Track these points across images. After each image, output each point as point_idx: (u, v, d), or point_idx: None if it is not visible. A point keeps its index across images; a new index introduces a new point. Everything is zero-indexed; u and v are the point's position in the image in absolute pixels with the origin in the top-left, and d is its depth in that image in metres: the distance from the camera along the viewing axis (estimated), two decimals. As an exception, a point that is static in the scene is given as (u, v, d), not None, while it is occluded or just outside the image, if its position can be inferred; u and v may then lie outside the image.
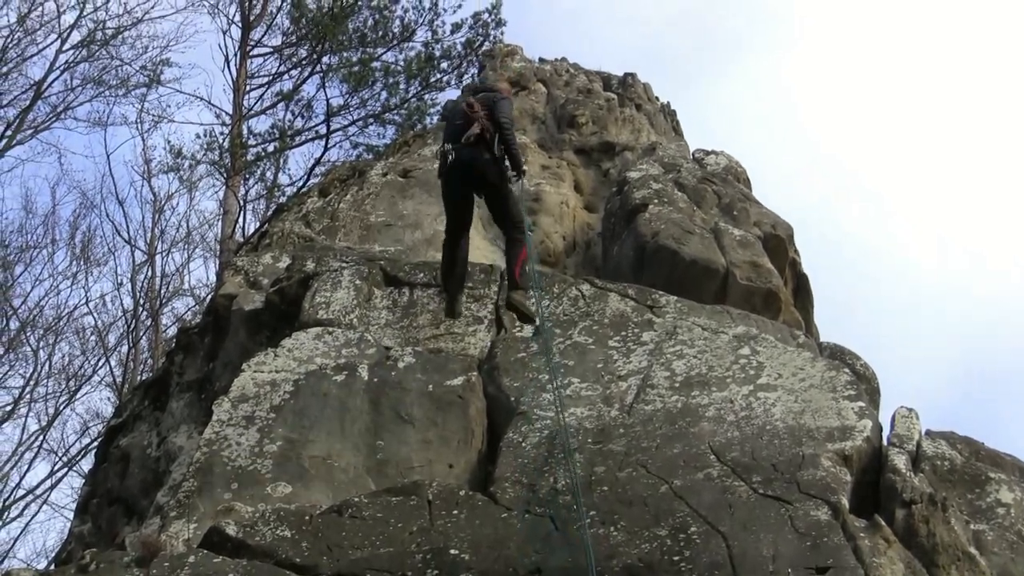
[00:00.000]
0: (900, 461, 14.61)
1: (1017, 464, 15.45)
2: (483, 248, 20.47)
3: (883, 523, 13.60)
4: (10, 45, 32.50)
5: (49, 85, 32.83)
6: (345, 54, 33.06)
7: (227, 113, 34.39)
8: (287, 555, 13.68)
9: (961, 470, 14.96)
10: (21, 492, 37.07)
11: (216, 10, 36.57)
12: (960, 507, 14.32)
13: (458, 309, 16.14)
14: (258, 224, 30.51)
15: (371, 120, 32.99)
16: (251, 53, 34.35)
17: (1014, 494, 14.68)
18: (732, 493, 13.74)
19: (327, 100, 33.08)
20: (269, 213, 29.84)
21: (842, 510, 13.41)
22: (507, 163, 15.48)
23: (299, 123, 33.67)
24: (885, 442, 15.07)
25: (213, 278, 32.62)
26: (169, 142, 61.65)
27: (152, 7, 36.47)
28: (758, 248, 20.18)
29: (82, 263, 44.99)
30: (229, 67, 34.60)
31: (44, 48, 36.74)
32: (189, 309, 39.70)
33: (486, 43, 31.26)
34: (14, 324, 38.54)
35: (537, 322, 15.27)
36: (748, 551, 12.80)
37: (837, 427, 14.83)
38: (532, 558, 13.00)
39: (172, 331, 29.81)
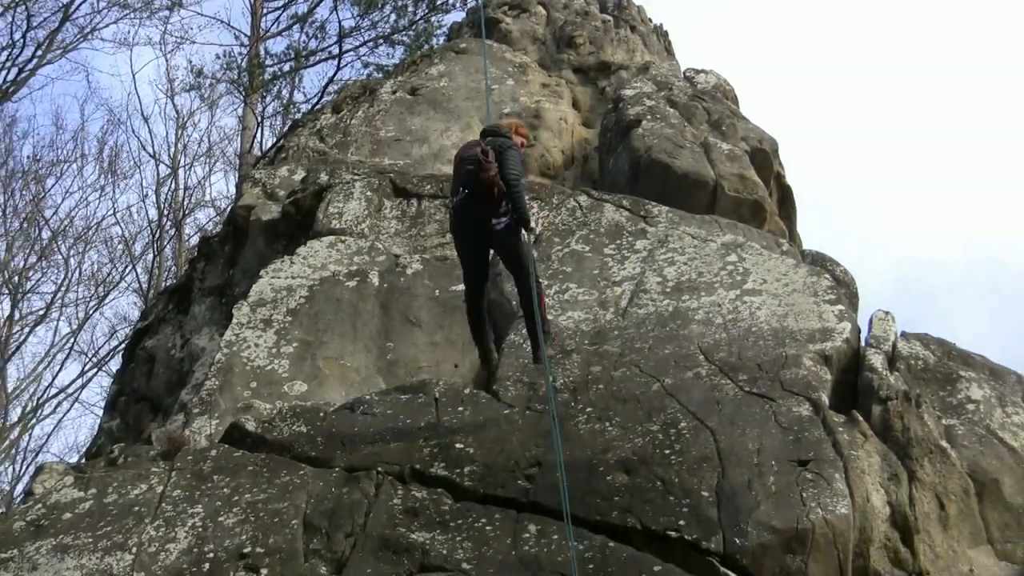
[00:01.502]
0: (877, 361, 14.67)
1: (986, 363, 15.51)
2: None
3: (861, 418, 13.69)
4: (39, -32, 32.20)
5: (77, 7, 32.67)
6: (356, -23, 32.91)
7: (245, 35, 34.36)
8: (303, 449, 13.77)
9: (934, 369, 15.01)
10: (54, 391, 37.17)
11: (236, -67, 36.64)
12: (933, 403, 14.38)
13: (492, 360, 14.46)
14: (275, 139, 30.51)
15: (381, 41, 32.93)
16: (268, -23, 34.22)
17: (983, 391, 14.74)
18: (720, 391, 13.81)
19: (339, 22, 33.20)
20: (285, 129, 29.79)
21: (822, 406, 13.50)
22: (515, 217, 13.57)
23: (313, 44, 33.69)
24: (863, 343, 15.13)
25: (233, 190, 32.63)
26: (191, 62, 62.07)
27: (175, -67, 36.10)
28: (745, 161, 20.17)
29: (109, 176, 45.05)
30: (247, -11, 34.61)
31: (72, -30, 36.48)
32: (210, 219, 39.79)
33: (490, -34, 31.20)
34: (46, 234, 38.56)
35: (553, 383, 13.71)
36: (734, 445, 12.89)
37: (818, 329, 14.88)
38: (532, 452, 13.06)
39: (194, 240, 29.87)
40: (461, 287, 16.15)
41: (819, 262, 16.54)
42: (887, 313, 15.66)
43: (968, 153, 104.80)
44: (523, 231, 13.53)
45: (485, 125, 14.94)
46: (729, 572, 11.79)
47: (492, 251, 13.96)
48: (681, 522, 12.15)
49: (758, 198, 19.41)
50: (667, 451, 12.93)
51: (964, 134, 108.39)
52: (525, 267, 13.46)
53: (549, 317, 14.35)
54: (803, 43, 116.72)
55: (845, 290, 15.90)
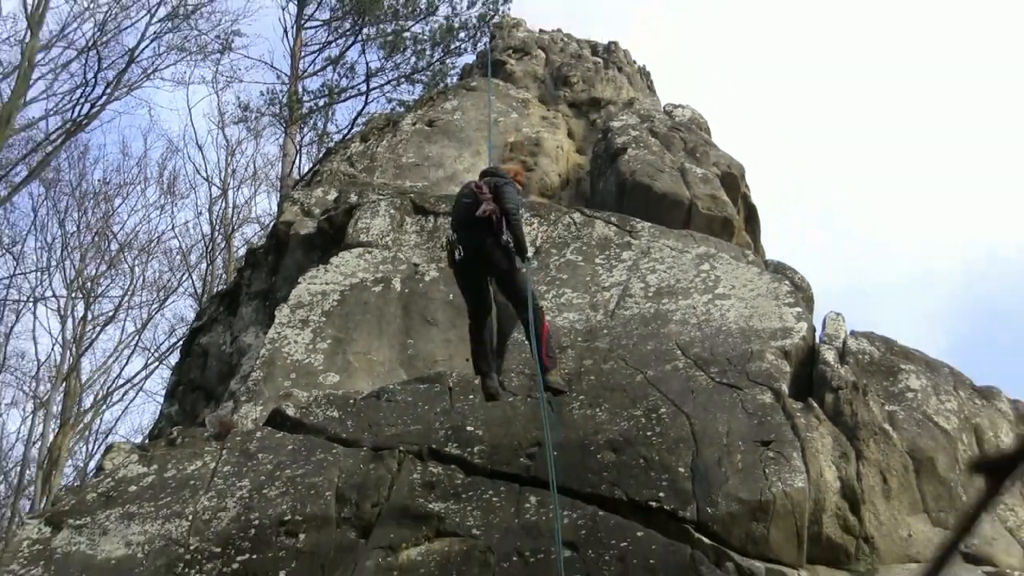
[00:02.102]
0: (829, 355, 14.68)
1: (924, 358, 15.50)
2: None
3: (815, 405, 13.71)
4: (109, 19, 32.31)
5: (141, 51, 32.68)
6: (381, 26, 33.14)
7: (286, 74, 34.38)
8: (335, 431, 13.77)
9: (878, 362, 14.99)
10: (121, 382, 37.25)
11: (276, -12, 36.99)
12: (877, 392, 14.37)
13: (492, 387, 12.71)
14: (311, 165, 30.47)
15: (403, 80, 33.04)
16: (305, 25, 34.30)
17: (920, 382, 14.74)
18: (694, 381, 13.80)
19: (367, 64, 33.39)
20: (320, 155, 29.80)
21: (783, 395, 13.51)
22: (513, 246, 12.53)
23: (344, 83, 33.76)
24: (818, 340, 15.12)
25: (275, 208, 32.60)
26: (239, 98, 62.70)
27: (223, -14, 36.37)
28: (716, 184, 20.14)
29: (169, 196, 45.27)
30: (287, 37, 34.72)
31: (136, 21, 36.63)
32: (255, 234, 39.74)
33: (496, 16, 31.43)
34: (114, 246, 38.58)
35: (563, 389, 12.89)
36: (707, 428, 12.89)
37: (779, 328, 14.86)
38: (533, 434, 13.05)
39: (242, 251, 29.84)
40: (472, 292, 16.15)
41: (780, 270, 16.52)
42: (838, 314, 15.70)
43: (971, 154, 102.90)
44: (521, 260, 12.58)
45: (488, 165, 14.12)
46: (702, 537, 11.81)
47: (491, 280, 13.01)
48: (661, 494, 12.16)
49: (727, 215, 19.39)
50: (649, 433, 12.94)
51: (972, 134, 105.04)
52: (523, 296, 12.54)
53: (551, 318, 14.31)
54: (803, 46, 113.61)
55: (802, 294, 15.90)
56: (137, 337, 39.35)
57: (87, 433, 35.91)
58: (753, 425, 12.98)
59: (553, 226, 17.65)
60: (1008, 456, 1.17)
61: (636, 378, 13.98)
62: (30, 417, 36.10)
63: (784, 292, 15.68)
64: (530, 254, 12.60)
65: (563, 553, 10.73)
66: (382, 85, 33.39)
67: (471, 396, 13.96)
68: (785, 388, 13.77)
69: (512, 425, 13.38)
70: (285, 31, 34.80)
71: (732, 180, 20.86)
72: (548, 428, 11.36)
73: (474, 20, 32.47)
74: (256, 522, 12.60)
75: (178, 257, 40.23)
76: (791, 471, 12.39)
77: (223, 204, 40.45)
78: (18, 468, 34.64)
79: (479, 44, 31.09)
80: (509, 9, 32.02)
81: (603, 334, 15.07)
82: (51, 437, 33.25)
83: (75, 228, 38.30)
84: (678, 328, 15.04)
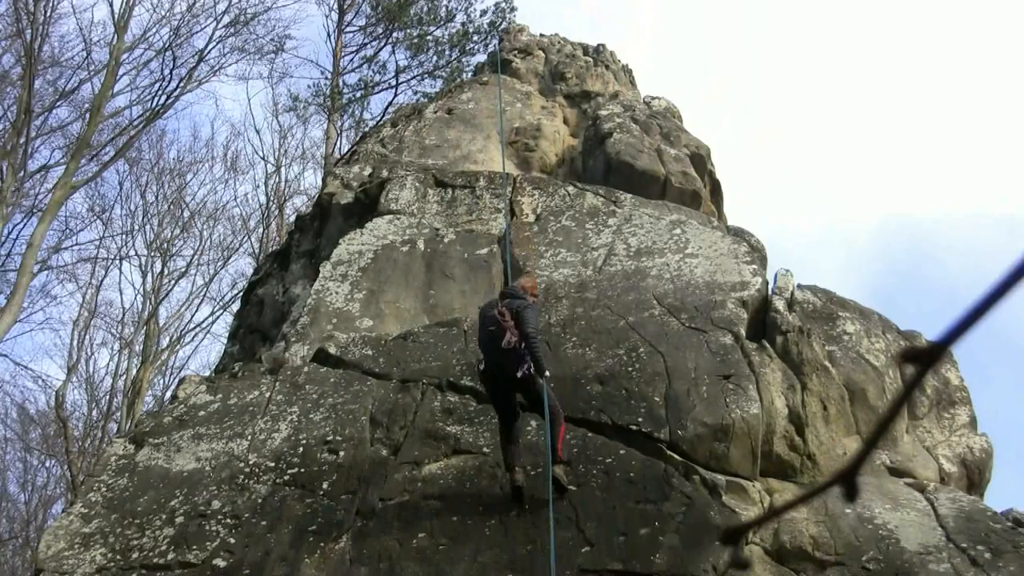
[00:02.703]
0: (780, 304, 14.71)
1: (858, 306, 15.54)
2: (498, 159, 20.39)
3: (768, 346, 13.81)
4: (182, 25, 32.35)
5: (208, 52, 32.68)
6: (408, 30, 33.24)
7: (329, 71, 34.36)
8: (369, 367, 13.84)
9: (820, 310, 15.04)
10: (192, 326, 37.35)
11: (321, 0, 37.17)
12: (819, 335, 14.42)
13: (519, 482, 11.39)
14: (350, 146, 30.44)
15: (426, 75, 33.04)
16: (345, 30, 34.31)
17: (855, 326, 14.79)
18: (667, 326, 13.85)
19: (396, 62, 33.50)
20: (357, 138, 29.75)
21: (741, 337, 13.59)
22: (532, 366, 11.30)
23: (377, 78, 33.84)
24: (770, 292, 15.14)
25: (319, 182, 32.53)
26: (289, 91, 62.97)
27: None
28: (687, 162, 20.13)
29: (231, 172, 45.81)
30: (330, 39, 34.81)
31: (205, 27, 36.90)
32: (304, 203, 39.78)
33: (504, 23, 31.62)
34: (187, 214, 38.63)
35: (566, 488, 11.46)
36: (678, 364, 12.96)
37: (738, 282, 14.90)
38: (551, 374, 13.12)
39: (292, 218, 29.80)
40: (484, 251, 16.21)
41: (739, 234, 16.51)
42: (788, 271, 15.70)
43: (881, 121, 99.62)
44: (540, 378, 11.28)
45: (504, 288, 12.96)
46: (673, 455, 11.88)
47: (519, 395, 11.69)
48: (639, 419, 12.23)
49: (696, 188, 19.40)
50: (630, 369, 13.01)
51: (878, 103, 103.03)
52: (542, 405, 11.29)
53: (548, 273, 14.34)
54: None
55: (758, 254, 15.90)
56: (205, 289, 39.56)
57: (164, 368, 36.02)
58: (716, 362, 13.06)
59: (551, 197, 17.67)
60: (930, 349, 1.28)
61: (619, 323, 14.05)
62: (117, 355, 36.24)
63: (743, 252, 15.72)
64: (548, 373, 11.45)
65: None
66: (409, 80, 33.51)
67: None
68: (743, 331, 13.85)
69: (516, 362, 13.43)
70: (328, 35, 35.13)
71: (700, 160, 20.88)
72: (552, 529, 10.40)
73: (485, 26, 32.62)
74: (304, 441, 12.68)
75: (239, 222, 40.36)
76: (747, 400, 12.45)
77: (277, 179, 40.46)
78: (107, 397, 34.84)
79: (490, 46, 31.07)
80: (515, 17, 32.19)
81: (592, 286, 15.12)
82: (134, 372, 33.43)
83: (154, 198, 38.39)
84: (654, 282, 15.08)
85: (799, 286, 15.51)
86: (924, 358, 1.27)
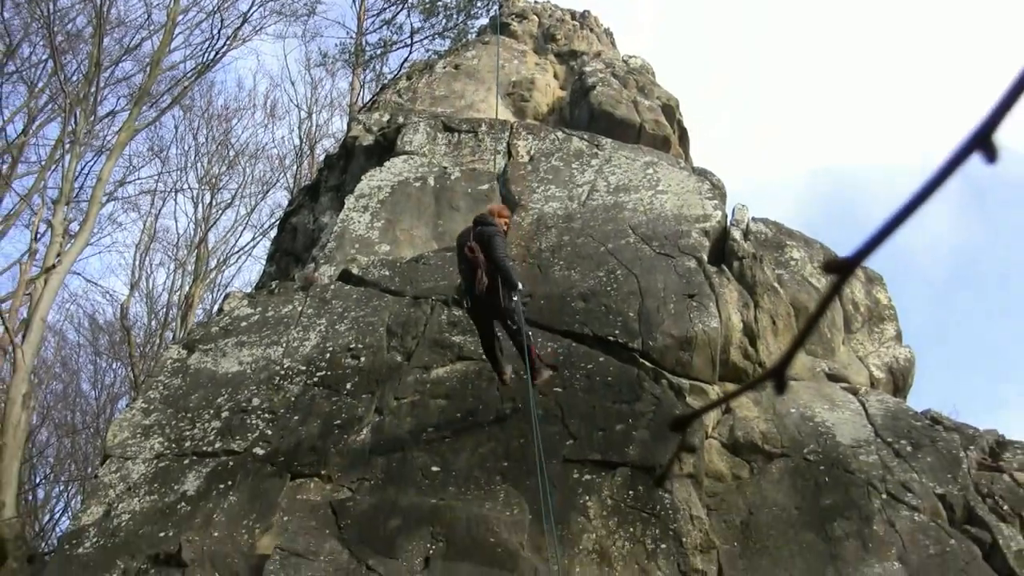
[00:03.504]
0: (737, 234, 14.57)
1: (803, 237, 15.36)
2: (498, 108, 20.12)
3: (726, 269, 13.67)
4: (227, -9, 31.96)
5: (251, 14, 32.22)
6: (421, -4, 33.02)
7: (353, 31, 34.03)
8: (386, 285, 13.67)
9: (771, 240, 14.85)
10: (236, 249, 37.25)
11: (347, -31, 36.77)
12: (769, 261, 14.24)
13: (505, 379, 11.16)
14: (371, 96, 30.09)
15: (436, 36, 32.67)
16: (367, -5, 34.05)
17: (800, 253, 14.63)
18: (641, 252, 13.66)
19: (411, 24, 33.19)
20: (378, 90, 29.41)
21: (703, 262, 13.41)
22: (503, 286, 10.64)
23: (395, 38, 33.54)
24: (728, 223, 14.97)
25: (345, 127, 32.23)
26: (320, 48, 62.44)
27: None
28: (659, 112, 19.83)
29: (270, 118, 45.42)
30: (355, 4, 34.56)
31: (247, -8, 36.46)
32: (332, 145, 39.53)
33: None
34: (232, 153, 38.28)
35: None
36: (650, 285, 12.80)
37: (701, 215, 14.70)
38: (526, 289, 12.96)
39: (321, 157, 29.53)
40: (485, 186, 16.00)
41: (703, 174, 16.28)
42: (744, 205, 15.54)
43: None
44: (513, 294, 10.63)
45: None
46: (645, 362, 11.79)
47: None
48: (616, 331, 12.11)
49: (666, 135, 19.13)
50: (608, 288, 12.85)
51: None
52: (516, 324, 10.62)
53: (539, 206, 14.16)
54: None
55: (718, 191, 15.67)
56: (247, 218, 39.53)
57: (212, 286, 35.85)
58: (682, 283, 12.89)
59: (542, 141, 17.39)
60: (848, 261, 1.30)
61: (600, 249, 13.86)
62: (172, 274, 36.17)
63: (705, 189, 15.49)
64: (520, 286, 10.72)
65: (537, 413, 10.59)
66: (422, 40, 33.15)
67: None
68: (705, 257, 13.67)
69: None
70: (353, 0, 34.61)
71: (670, 110, 20.58)
72: (536, 421, 9.85)
73: (487, -10, 32.19)
74: (330, 348, 12.57)
75: (276, 161, 40.23)
76: (708, 316, 12.33)
77: (308, 124, 40.11)
78: (164, 310, 34.71)
79: (491, 11, 30.58)
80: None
81: (577, 218, 14.90)
82: (187, 288, 33.30)
83: (204, 140, 37.96)
84: (630, 214, 14.87)
85: (753, 219, 15.32)
86: (842, 269, 1.32)
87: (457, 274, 11.47)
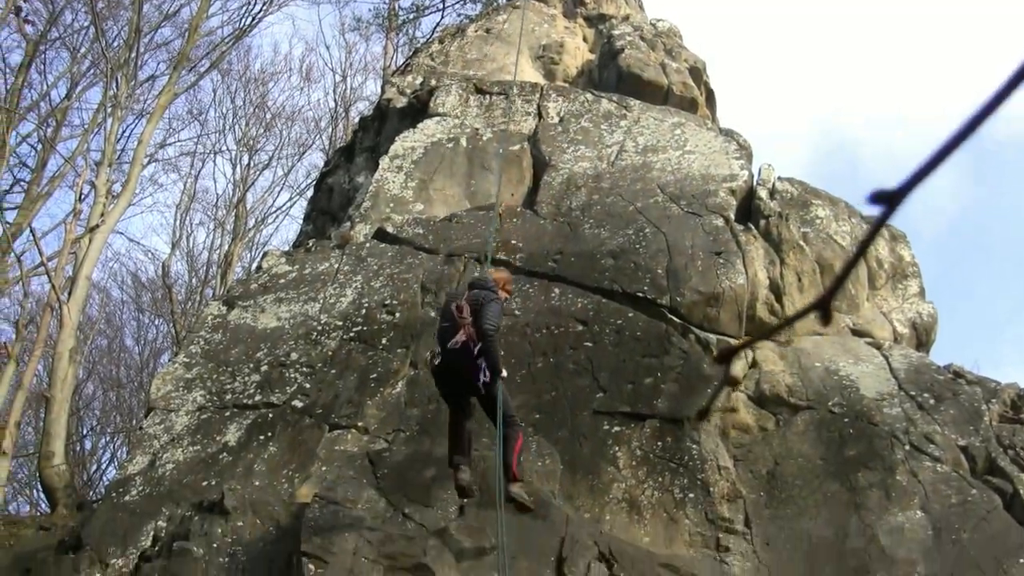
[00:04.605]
0: (763, 193, 14.43)
1: (828, 195, 15.17)
2: (528, 71, 19.98)
3: (752, 227, 13.55)
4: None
5: (287, -20, 32.24)
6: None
7: (388, -3, 34.00)
8: (420, 243, 13.66)
9: (796, 198, 14.68)
10: (273, 209, 37.30)
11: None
12: (795, 219, 14.11)
13: (464, 480, 8.89)
14: (404, 60, 29.97)
15: (468, 0, 32.52)
16: (400, -39, 33.86)
17: (825, 211, 14.47)
18: (669, 210, 13.59)
19: (443, -11, 33.05)
20: (411, 53, 29.26)
21: (730, 220, 13.35)
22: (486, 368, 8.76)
23: (427, 2, 33.41)
24: (755, 183, 14.84)
25: (379, 90, 32.13)
26: (354, 13, 62.43)
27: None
28: (686, 74, 19.64)
29: (305, 82, 45.27)
30: (389, -31, 34.43)
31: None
32: (366, 107, 39.46)
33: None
34: (268, 115, 38.22)
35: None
36: (678, 242, 12.75)
37: (728, 174, 14.58)
38: (557, 246, 12.96)
39: (356, 119, 29.44)
40: (516, 147, 15.91)
41: (730, 134, 16.13)
42: (770, 165, 15.34)
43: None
44: (496, 378, 8.80)
45: (475, 275, 10.19)
46: (673, 317, 11.77)
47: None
48: (645, 287, 12.09)
49: (694, 96, 18.96)
50: (638, 246, 12.80)
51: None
52: (496, 411, 8.76)
53: (569, 167, 14.05)
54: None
55: (745, 151, 15.51)
56: (284, 178, 39.49)
57: (250, 244, 35.87)
58: (709, 241, 12.84)
59: (572, 103, 17.25)
60: (898, 191, 1.28)
61: (628, 208, 13.79)
62: (212, 233, 36.23)
63: (732, 149, 15.36)
64: (504, 374, 8.99)
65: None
66: (454, 4, 32.92)
67: (515, 219, 13.83)
68: (732, 215, 13.59)
69: (542, 240, 13.27)
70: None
71: (697, 72, 20.37)
72: (503, 536, 7.96)
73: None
74: (366, 304, 12.60)
75: (312, 123, 40.19)
76: (735, 272, 12.29)
77: (343, 87, 39.94)
78: (204, 268, 34.85)
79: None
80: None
81: (606, 177, 14.81)
82: (226, 247, 33.40)
83: (241, 103, 37.88)
84: (658, 174, 14.77)
85: (779, 178, 15.16)
86: (891, 199, 1.29)
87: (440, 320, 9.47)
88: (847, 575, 9.48)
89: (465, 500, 9.17)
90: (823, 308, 1.46)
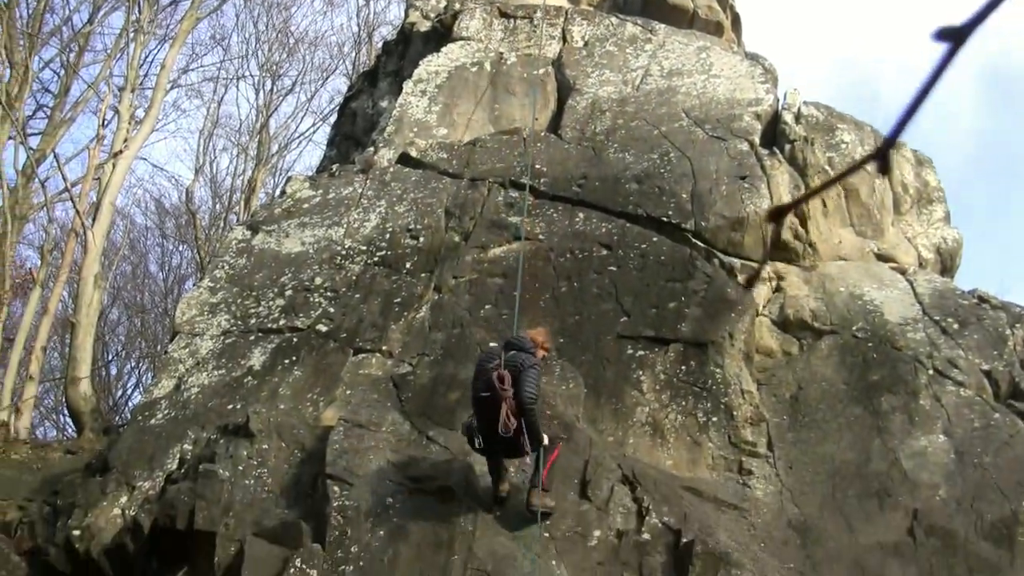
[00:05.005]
0: (788, 117, 14.25)
1: (853, 120, 14.95)
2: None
3: (777, 152, 13.43)
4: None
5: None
6: None
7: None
8: (443, 168, 13.55)
9: (822, 123, 14.47)
10: (297, 135, 37.17)
11: None
12: (820, 144, 13.93)
13: (501, 492, 8.54)
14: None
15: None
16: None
17: (850, 136, 14.28)
18: (694, 135, 13.43)
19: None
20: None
21: (755, 145, 13.21)
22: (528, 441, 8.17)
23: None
24: (780, 107, 14.63)
25: (403, 14, 31.92)
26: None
27: None
28: (711, -4, 19.40)
29: (329, 5, 44.83)
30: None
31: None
32: (390, 32, 39.15)
33: None
34: (292, 40, 37.94)
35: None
36: (703, 167, 12.62)
37: (753, 98, 14.36)
38: (581, 171, 12.83)
39: (380, 44, 29.15)
40: (540, 71, 15.71)
41: (755, 58, 15.87)
42: (795, 89, 15.13)
43: None
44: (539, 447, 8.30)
45: (512, 336, 9.09)
46: (697, 242, 11.70)
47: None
48: (670, 212, 12.00)
49: (719, 20, 18.63)
50: (662, 171, 12.67)
51: None
52: (536, 476, 8.36)
53: (594, 91, 13.87)
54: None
55: (770, 75, 15.28)
56: (307, 104, 39.49)
57: (274, 170, 35.83)
58: (734, 165, 12.70)
59: (596, 27, 16.98)
60: (965, 26, 1.22)
61: (653, 132, 13.63)
62: (236, 159, 36.16)
63: (758, 74, 15.12)
64: (546, 441, 8.33)
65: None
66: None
67: (539, 144, 13.69)
68: (757, 140, 13.45)
69: (566, 164, 13.15)
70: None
71: (723, -6, 20.07)
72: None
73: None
74: (390, 229, 12.54)
75: (335, 48, 40.05)
76: (760, 197, 12.16)
77: (367, 11, 39.81)
78: (228, 194, 34.84)
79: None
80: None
81: (631, 101, 14.62)
82: (250, 173, 33.35)
83: (264, 28, 37.58)
84: (683, 98, 14.57)
85: (804, 102, 14.94)
86: (956, 35, 1.23)
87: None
88: (869, 499, 9.49)
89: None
90: (882, 159, 1.45)
